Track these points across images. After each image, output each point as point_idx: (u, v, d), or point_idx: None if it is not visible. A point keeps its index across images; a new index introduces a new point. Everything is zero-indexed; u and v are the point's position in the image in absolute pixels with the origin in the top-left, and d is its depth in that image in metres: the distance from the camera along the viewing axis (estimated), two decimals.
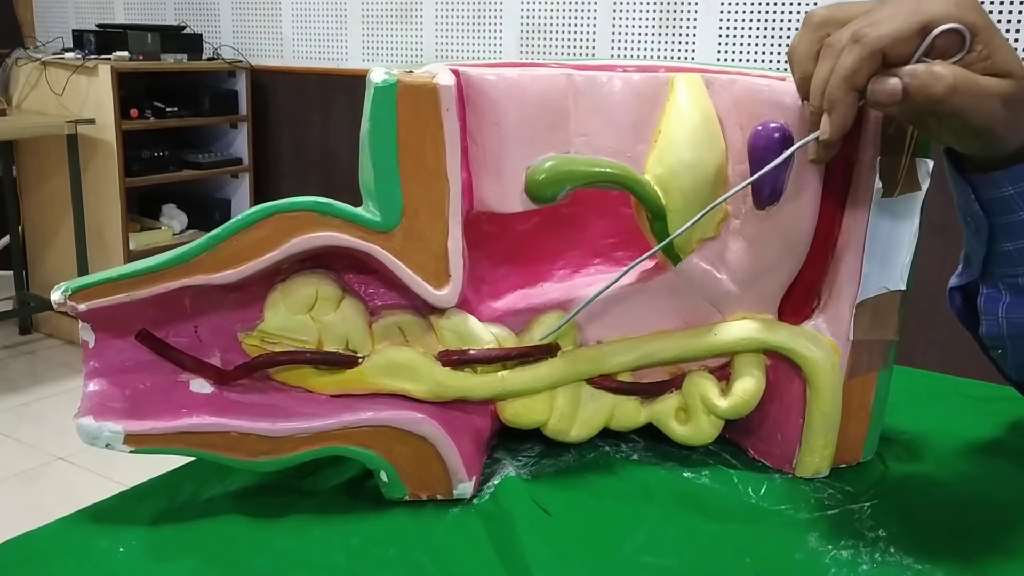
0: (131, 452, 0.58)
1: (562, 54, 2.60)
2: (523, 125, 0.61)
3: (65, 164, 2.91)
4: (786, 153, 0.58)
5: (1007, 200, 0.58)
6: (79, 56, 3.00)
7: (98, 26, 3.22)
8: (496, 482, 0.65)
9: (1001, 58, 0.51)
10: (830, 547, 0.59)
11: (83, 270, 2.94)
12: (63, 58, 3.03)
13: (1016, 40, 1.98)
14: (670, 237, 0.63)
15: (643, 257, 0.63)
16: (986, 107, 0.52)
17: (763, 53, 2.28)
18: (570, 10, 2.58)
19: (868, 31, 0.51)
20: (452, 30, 2.81)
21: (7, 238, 3.39)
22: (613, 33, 2.51)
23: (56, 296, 0.57)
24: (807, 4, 2.20)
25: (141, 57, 3.00)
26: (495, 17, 2.72)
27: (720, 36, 2.34)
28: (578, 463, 0.69)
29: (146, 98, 3.05)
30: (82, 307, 0.58)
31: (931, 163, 0.63)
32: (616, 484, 0.67)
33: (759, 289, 0.66)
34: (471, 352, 0.63)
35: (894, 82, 0.51)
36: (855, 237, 0.64)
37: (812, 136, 0.56)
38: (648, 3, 2.44)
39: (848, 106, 0.52)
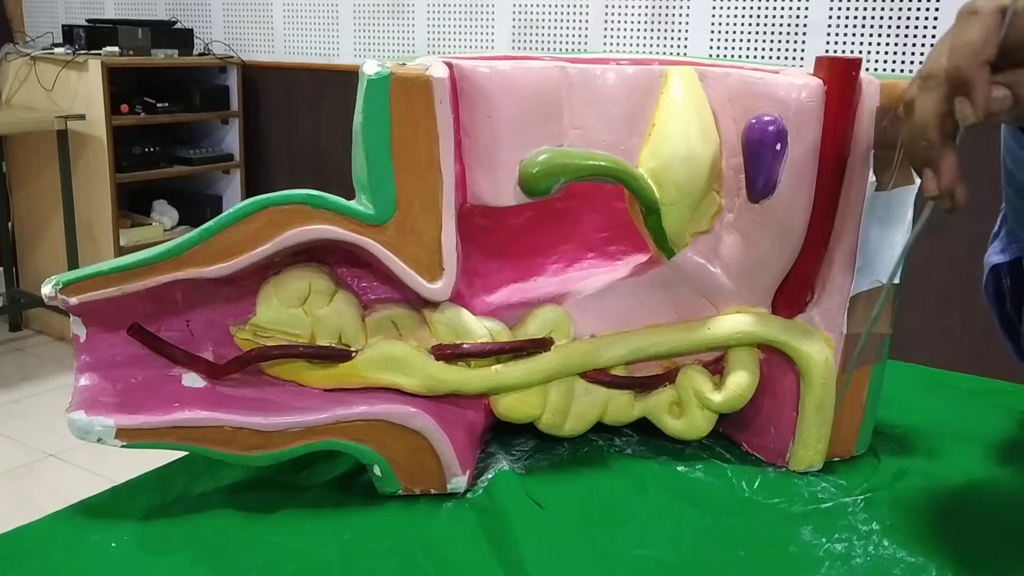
0: (123, 447, 0.58)
1: (555, 48, 2.59)
2: (517, 118, 0.61)
3: (55, 160, 2.89)
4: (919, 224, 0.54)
5: None
6: (69, 51, 2.98)
7: (88, 21, 3.20)
8: (490, 476, 0.65)
9: None
10: (824, 540, 0.59)
11: (73, 266, 2.93)
12: (53, 53, 3.01)
13: None
14: None
15: None
16: None
17: (756, 46, 2.28)
18: (562, 3, 2.57)
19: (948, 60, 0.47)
20: (444, 25, 2.80)
21: None
22: (606, 26, 2.51)
23: (47, 289, 0.57)
24: None
25: (131, 52, 2.99)
26: (487, 11, 2.71)
27: (712, 29, 2.34)
28: (572, 457, 0.69)
29: (136, 94, 3.03)
30: (73, 300, 0.57)
31: None
32: (610, 478, 0.67)
33: (753, 282, 0.66)
34: (465, 346, 0.63)
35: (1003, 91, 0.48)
36: (849, 230, 0.64)
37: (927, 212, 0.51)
38: None
39: (984, 80, 0.46)
